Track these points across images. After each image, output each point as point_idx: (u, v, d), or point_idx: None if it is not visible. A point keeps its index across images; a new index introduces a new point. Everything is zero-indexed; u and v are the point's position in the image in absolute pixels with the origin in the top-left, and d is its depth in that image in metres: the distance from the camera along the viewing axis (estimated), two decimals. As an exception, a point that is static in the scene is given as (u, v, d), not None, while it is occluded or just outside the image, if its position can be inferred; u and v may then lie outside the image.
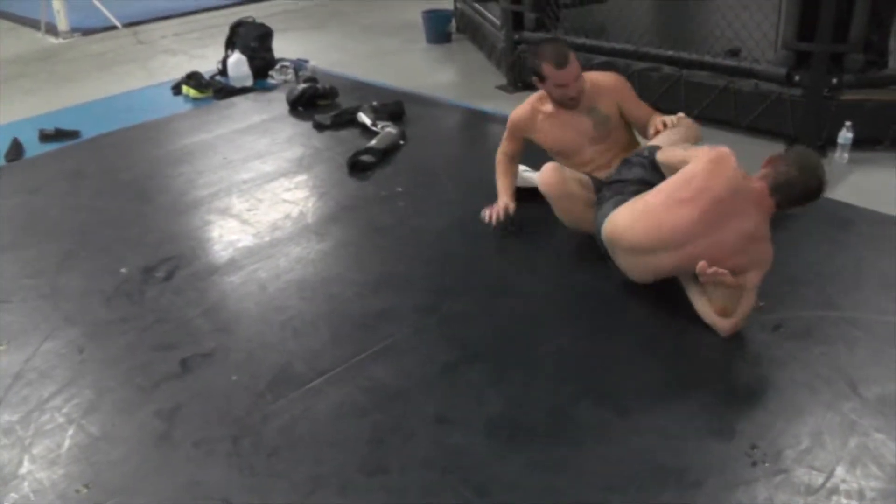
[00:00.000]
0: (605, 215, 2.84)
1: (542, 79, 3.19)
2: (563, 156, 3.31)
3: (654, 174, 2.87)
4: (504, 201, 3.36)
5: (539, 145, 3.38)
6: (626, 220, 2.76)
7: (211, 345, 2.75)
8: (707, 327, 2.65)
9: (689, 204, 2.60)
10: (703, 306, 2.65)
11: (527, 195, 3.58)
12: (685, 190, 2.63)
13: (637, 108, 3.31)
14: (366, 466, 2.17)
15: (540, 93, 3.33)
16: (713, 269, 2.47)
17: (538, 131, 3.35)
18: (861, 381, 2.39)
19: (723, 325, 2.61)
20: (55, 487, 2.16)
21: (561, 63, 3.12)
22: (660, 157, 2.86)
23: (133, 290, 3.12)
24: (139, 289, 3.13)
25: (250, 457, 2.23)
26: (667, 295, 2.93)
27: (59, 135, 4.87)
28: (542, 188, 3.13)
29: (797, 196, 2.61)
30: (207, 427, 2.36)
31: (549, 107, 3.31)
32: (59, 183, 4.21)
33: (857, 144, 4.00)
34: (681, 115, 3.18)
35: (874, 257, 2.84)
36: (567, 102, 3.23)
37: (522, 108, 3.39)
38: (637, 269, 2.79)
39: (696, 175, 2.63)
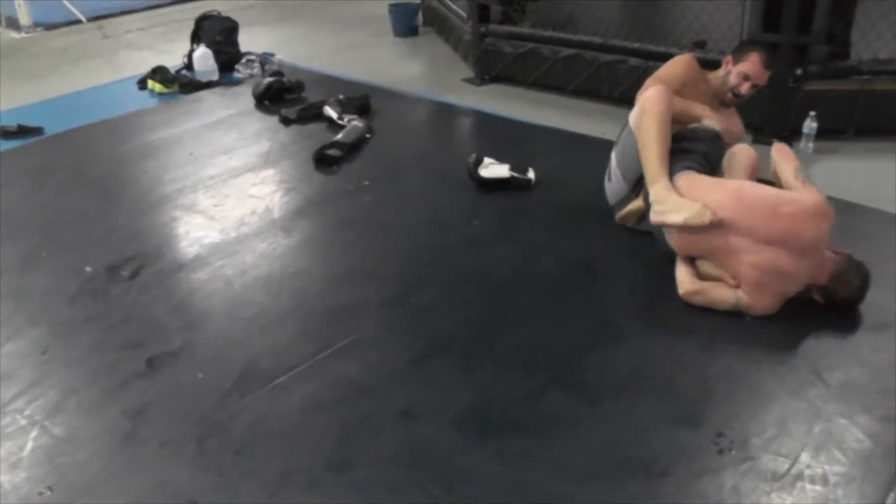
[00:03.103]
0: (673, 175, 2.89)
1: (737, 61, 3.24)
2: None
3: (714, 148, 3.05)
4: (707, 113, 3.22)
5: None
6: (706, 186, 2.84)
7: (177, 343, 2.72)
8: (674, 319, 2.70)
9: (774, 213, 2.67)
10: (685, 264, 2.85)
11: (494, 187, 3.60)
12: (786, 204, 2.69)
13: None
14: (332, 463, 2.15)
15: (700, 71, 3.33)
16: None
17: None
18: (825, 367, 2.42)
19: (687, 285, 2.77)
20: (17, 491, 2.12)
21: (769, 66, 3.23)
22: (779, 154, 2.96)
23: (98, 289, 3.07)
24: (104, 287, 3.08)
25: (217, 455, 2.21)
26: (635, 286, 2.95)
27: (22, 131, 4.78)
28: (657, 100, 3.01)
29: (833, 295, 2.67)
30: (174, 426, 2.33)
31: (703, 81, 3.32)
32: (21, 180, 4.14)
33: (822, 134, 4.05)
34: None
35: (838, 245, 2.85)
36: (726, 95, 3.28)
37: (686, 58, 3.34)
38: (682, 234, 2.83)
39: (801, 205, 2.69)
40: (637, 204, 3.09)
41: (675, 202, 2.81)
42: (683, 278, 2.81)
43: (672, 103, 3.03)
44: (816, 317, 2.66)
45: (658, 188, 2.88)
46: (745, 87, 3.24)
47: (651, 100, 3.01)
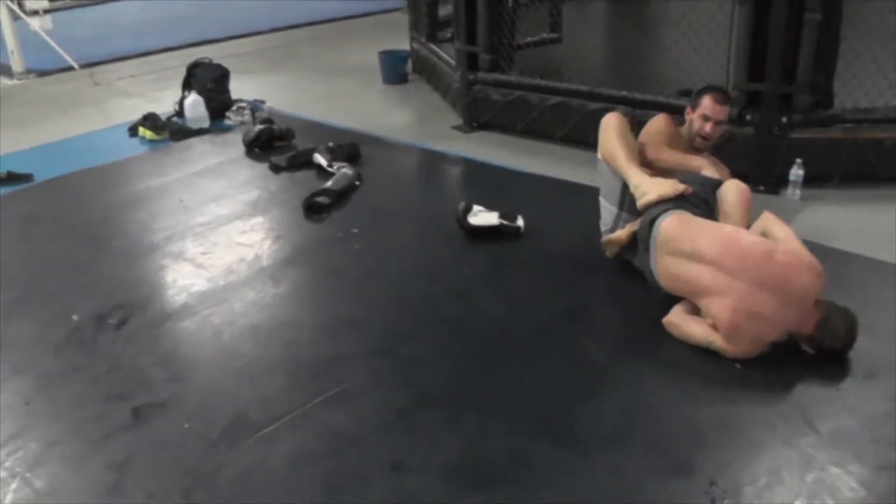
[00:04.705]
0: (665, 211, 2.96)
1: (695, 108, 3.43)
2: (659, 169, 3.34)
3: (711, 195, 3.13)
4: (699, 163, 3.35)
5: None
6: (700, 227, 2.90)
7: (164, 393, 2.69)
8: (663, 367, 2.71)
9: (769, 258, 2.72)
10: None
11: (483, 235, 3.61)
12: (782, 253, 2.74)
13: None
14: (321, 516, 2.13)
15: (675, 125, 3.51)
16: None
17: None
18: (817, 416, 2.42)
19: (671, 315, 2.86)
20: (-4, 546, 2.09)
21: (719, 101, 3.39)
22: (769, 220, 2.99)
23: (85, 339, 3.04)
24: (91, 337, 3.05)
25: (203, 509, 2.18)
26: (624, 334, 2.95)
27: (11, 178, 4.76)
28: (610, 119, 3.28)
29: (821, 344, 2.67)
30: (159, 478, 2.30)
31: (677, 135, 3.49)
32: (9, 228, 4.12)
33: (808, 181, 4.09)
34: None
35: (829, 294, 2.87)
36: (696, 138, 3.42)
37: (663, 116, 3.53)
38: (670, 272, 2.89)
39: (797, 256, 2.75)
40: (619, 234, 3.20)
41: (650, 184, 3.05)
42: (674, 308, 2.87)
43: (624, 120, 3.30)
44: (806, 364, 2.66)
45: (633, 178, 3.09)
46: (708, 127, 3.38)
47: (603, 122, 3.29)
